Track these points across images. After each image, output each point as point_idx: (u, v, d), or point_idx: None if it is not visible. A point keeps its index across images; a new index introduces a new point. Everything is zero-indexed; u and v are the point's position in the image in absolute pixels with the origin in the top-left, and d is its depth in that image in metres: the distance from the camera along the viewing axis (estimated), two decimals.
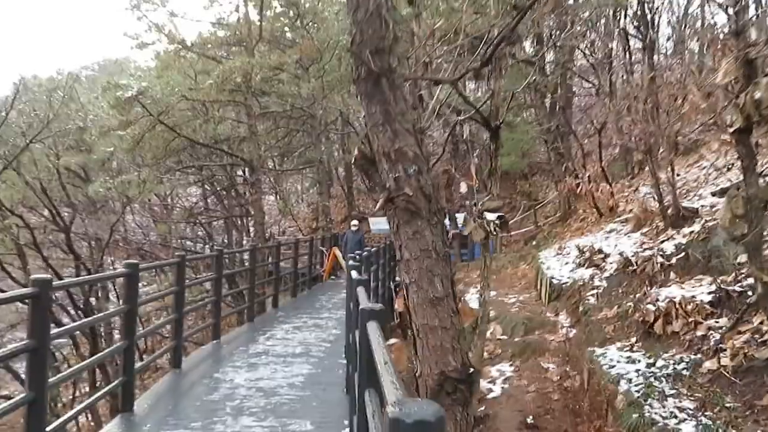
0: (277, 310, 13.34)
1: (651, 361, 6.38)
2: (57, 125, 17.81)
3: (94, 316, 12.51)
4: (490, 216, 5.18)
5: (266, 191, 47.34)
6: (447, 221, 22.43)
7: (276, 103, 18.23)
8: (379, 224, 25.88)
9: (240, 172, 23.09)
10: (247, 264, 14.20)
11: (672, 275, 7.81)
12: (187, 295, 21.87)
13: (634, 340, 7.14)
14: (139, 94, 13.29)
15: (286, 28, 21.65)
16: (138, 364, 7.08)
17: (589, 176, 12.47)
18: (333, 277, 20.40)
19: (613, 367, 6.60)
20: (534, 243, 14.87)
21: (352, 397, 5.76)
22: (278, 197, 43.92)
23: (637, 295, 7.89)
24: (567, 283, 9.47)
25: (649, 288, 7.66)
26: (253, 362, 8.39)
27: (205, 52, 16.17)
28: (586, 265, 9.64)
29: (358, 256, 14.47)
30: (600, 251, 9.57)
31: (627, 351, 6.95)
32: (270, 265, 15.88)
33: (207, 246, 24.01)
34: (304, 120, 21.96)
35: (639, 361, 6.55)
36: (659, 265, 8.00)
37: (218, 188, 22.24)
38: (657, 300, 7.11)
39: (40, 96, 20.03)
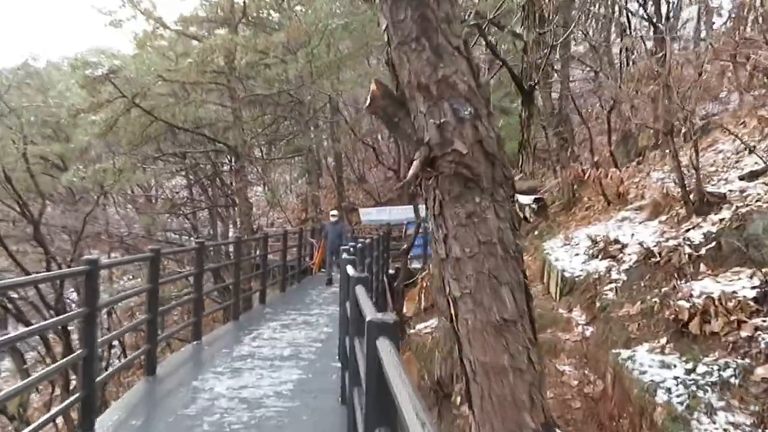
0: (265, 306, 12.49)
1: (690, 366, 5.60)
2: (29, 113, 16.81)
3: (41, 323, 11.22)
4: (524, 199, 4.20)
5: (253, 182, 46.42)
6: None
7: (262, 87, 17.28)
8: (369, 215, 25.03)
9: (225, 161, 22.15)
10: (232, 257, 13.36)
11: (702, 267, 7.03)
12: (171, 290, 21.11)
13: (664, 340, 6.35)
14: (111, 73, 12.31)
15: (272, 11, 20.68)
16: (113, 369, 6.23)
17: (596, 161, 11.67)
18: (323, 269, 19.55)
19: (645, 372, 5.82)
20: (536, 233, 14.05)
21: (350, 410, 5.02)
22: (266, 188, 43.06)
23: (664, 290, 7.10)
24: (580, 276, 8.67)
25: (678, 281, 6.88)
26: (237, 367, 7.55)
27: (185, 31, 15.18)
28: (600, 257, 8.84)
29: (339, 250, 13.91)
30: (616, 241, 8.77)
31: (658, 353, 6.16)
32: (257, 258, 15.02)
33: (192, 238, 23.08)
34: (292, 107, 21.06)
35: (675, 366, 5.76)
36: (687, 256, 7.22)
37: (202, 177, 21.25)
38: (691, 295, 6.33)
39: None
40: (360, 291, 4.34)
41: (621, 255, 8.44)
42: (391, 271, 18.00)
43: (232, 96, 15.01)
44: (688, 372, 5.51)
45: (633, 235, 8.87)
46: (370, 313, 3.18)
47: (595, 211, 12.51)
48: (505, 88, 22.45)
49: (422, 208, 23.26)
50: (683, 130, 8.58)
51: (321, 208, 20.93)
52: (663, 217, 9.25)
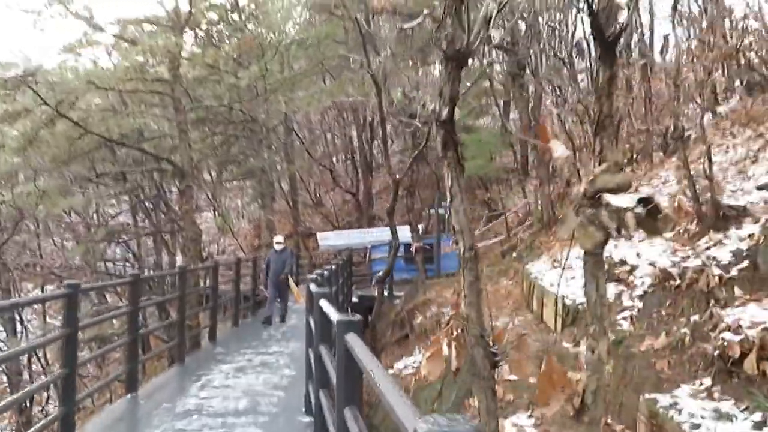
0: (215, 345, 10.95)
1: (758, 418, 4.45)
2: None
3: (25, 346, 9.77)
4: (621, 200, 2.85)
5: (203, 207, 44.36)
6: (408, 231, 20.43)
7: (211, 97, 15.80)
8: (327, 240, 23.62)
9: (170, 182, 20.46)
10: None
11: (737, 291, 5.98)
12: (113, 328, 19.12)
13: (708, 382, 5.22)
14: (28, 75, 10.70)
15: (221, 22, 19.33)
16: None
17: (580, 176, 10.74)
18: (280, 299, 18.03)
19: (698, 427, 4.65)
20: (514, 255, 13.01)
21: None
22: (216, 213, 41.13)
23: (693, 318, 6.00)
24: (583, 303, 7.54)
25: (714, 309, 5.78)
26: (180, 429, 6.06)
27: (123, 35, 13.63)
28: (605, 280, 7.76)
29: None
30: (622, 262, 7.70)
31: (705, 398, 5.02)
32: (207, 289, 13.47)
33: (134, 268, 21.17)
34: (244, 125, 19.63)
35: (734, 416, 4.62)
36: (717, 278, 6.16)
37: (144, 201, 19.38)
38: (739, 326, 5.23)
39: None
40: (324, 303, 4.68)
41: (631, 278, 7.34)
42: (354, 299, 16.65)
43: (177, 108, 13.53)
44: (759, 426, 4.36)
45: (639, 254, 7.80)
46: (335, 315, 3.63)
47: None
48: (468, 105, 21.62)
49: (403, 229, 22.01)
50: (693, 137, 7.62)
51: (276, 233, 19.43)
52: (667, 234, 8.23)
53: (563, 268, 7.14)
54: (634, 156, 14.18)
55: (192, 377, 8.27)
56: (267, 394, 7.47)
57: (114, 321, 18.32)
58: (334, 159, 35.85)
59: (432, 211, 15.32)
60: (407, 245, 16.77)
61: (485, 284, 11.21)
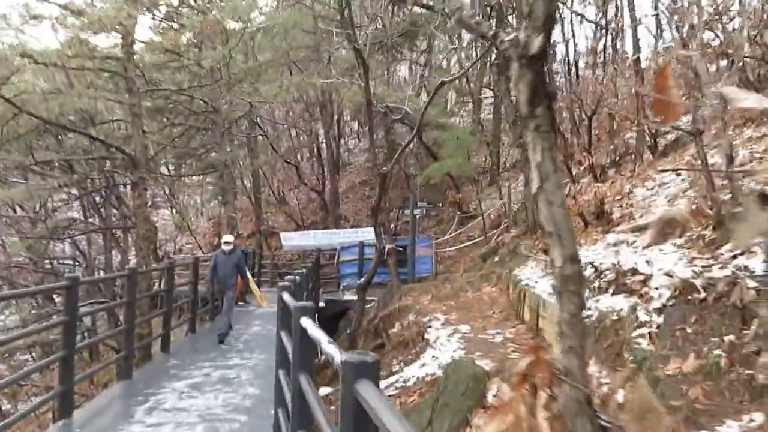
0: (169, 356, 9.78)
1: None
2: None
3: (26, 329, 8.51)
4: None
5: (160, 204, 42.61)
6: (383, 233, 19.48)
7: (170, 82, 14.51)
8: (291, 240, 22.46)
9: (123, 173, 19.03)
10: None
11: None
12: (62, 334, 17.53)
13: (760, 417, 4.39)
14: None
15: (183, 8, 18.03)
16: None
17: (575, 175, 9.96)
18: (241, 303, 16.85)
19: None
20: (496, 259, 12.18)
21: None
22: (174, 210, 39.46)
23: (728, 338, 5.20)
24: (590, 317, 6.69)
25: (759, 328, 4.98)
26: None
27: (71, 5, 12.19)
28: (612, 291, 6.92)
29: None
30: (634, 271, 6.87)
31: None
32: (162, 292, 12.25)
33: (82, 269, 19.60)
34: (206, 116, 18.38)
35: None
36: (755, 291, 5.37)
37: (92, 193, 17.75)
38: None
39: None
40: (307, 323, 3.73)
41: (645, 289, 6.51)
42: (321, 304, 15.58)
43: (130, 90, 12.20)
44: None
45: (649, 262, 6.99)
46: (335, 350, 2.63)
47: None
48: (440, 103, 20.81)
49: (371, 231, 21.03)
50: (713, 130, 6.85)
51: (238, 231, 18.25)
52: (678, 240, 7.46)
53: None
54: (617, 158, 13.56)
55: (139, 397, 7.14)
56: (227, 419, 6.42)
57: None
58: (299, 156, 34.70)
59: (407, 211, 14.34)
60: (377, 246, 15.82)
61: (467, 290, 10.26)
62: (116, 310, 14.66)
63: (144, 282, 11.98)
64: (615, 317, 6.41)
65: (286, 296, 5.44)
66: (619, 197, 9.92)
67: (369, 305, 14.82)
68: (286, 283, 6.16)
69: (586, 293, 7.35)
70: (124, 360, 8.10)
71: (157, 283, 23.05)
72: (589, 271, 7.70)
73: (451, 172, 15.99)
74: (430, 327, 9.15)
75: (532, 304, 8.36)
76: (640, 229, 8.48)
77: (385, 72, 24.84)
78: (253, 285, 16.66)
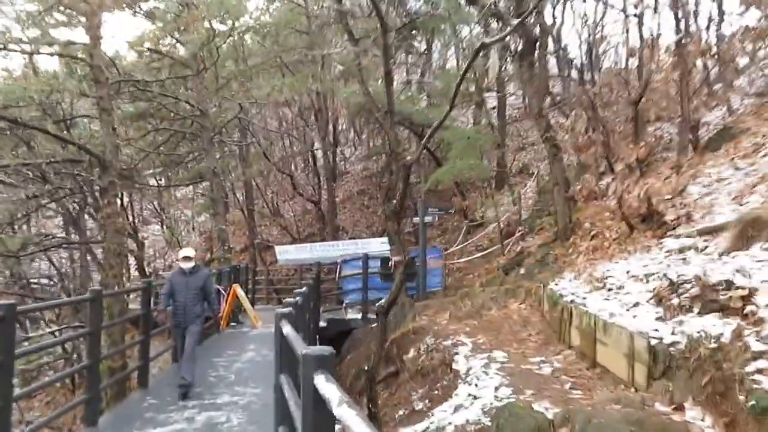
0: (147, 394, 8.25)
1: None
2: None
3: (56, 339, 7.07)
4: None
5: (149, 219, 41.00)
6: (380, 244, 17.98)
7: (144, 71, 13.05)
8: (287, 253, 20.94)
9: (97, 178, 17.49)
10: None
11: None
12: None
13: None
14: None
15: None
16: None
17: (618, 171, 8.57)
18: (233, 324, 15.34)
19: None
20: (521, 271, 10.71)
21: None
22: (163, 225, 37.88)
23: None
24: (679, 344, 5.23)
25: None
26: None
27: None
28: (698, 310, 5.47)
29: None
30: (728, 284, 5.42)
31: None
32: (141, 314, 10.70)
33: (57, 287, 18.01)
34: (193, 119, 16.93)
35: None
36: None
37: (56, 199, 15.92)
38: None
39: None
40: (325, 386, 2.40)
41: (751, 308, 5.06)
42: (322, 323, 14.06)
43: (96, 79, 10.69)
44: None
45: (744, 272, 5.54)
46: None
47: (610, 240, 9.28)
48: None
49: (375, 241, 19.47)
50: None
51: (229, 245, 16.77)
52: (765, 244, 6.03)
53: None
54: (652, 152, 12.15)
55: None
56: None
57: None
58: (293, 166, 33.26)
59: (414, 219, 12.90)
60: (384, 260, 14.35)
61: (491, 307, 8.69)
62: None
63: (117, 306, 10.44)
64: (712, 345, 4.95)
65: (288, 330, 3.97)
66: (670, 196, 8.50)
67: (374, 324, 13.35)
68: (286, 309, 4.69)
69: (660, 311, 5.90)
70: (86, 404, 6.56)
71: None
72: (658, 284, 6.25)
73: (462, 176, 14.56)
74: (456, 354, 7.66)
75: (583, 326, 6.89)
76: (711, 232, 7.05)
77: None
78: (246, 303, 15.17)
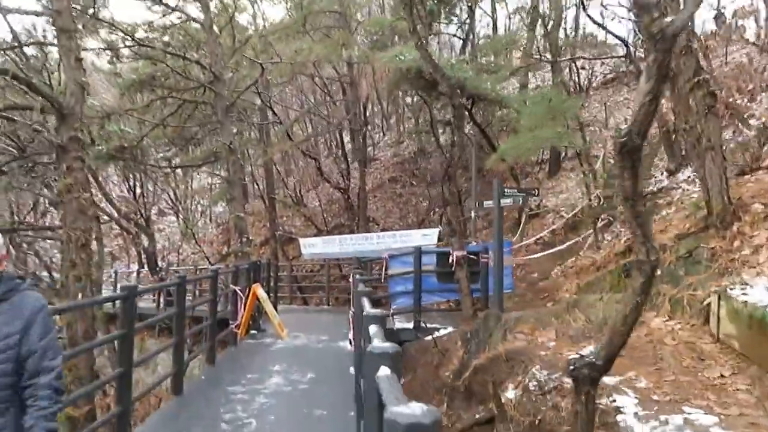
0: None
1: None
2: None
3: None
4: None
5: (166, 210, 38.41)
6: (431, 236, 15.13)
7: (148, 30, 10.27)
8: (313, 247, 18.07)
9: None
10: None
11: None
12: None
13: None
14: None
15: None
16: None
17: None
18: (254, 331, 12.57)
19: None
20: (657, 273, 7.73)
21: None
22: (179, 216, 35.29)
23: None
24: None
25: None
26: None
27: None
28: None
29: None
30: None
31: None
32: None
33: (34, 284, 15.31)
34: (205, 87, 14.13)
35: None
36: None
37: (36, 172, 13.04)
38: None
39: None
40: None
41: None
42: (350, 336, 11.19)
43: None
44: None
45: None
46: None
47: None
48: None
49: (422, 233, 16.92)
50: None
51: (248, 235, 13.97)
52: None
53: None
54: None
55: None
56: None
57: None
58: (320, 148, 30.51)
59: (488, 203, 9.96)
60: (441, 255, 11.45)
61: (617, 323, 5.71)
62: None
63: (81, 324, 7.57)
64: None
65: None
66: None
67: (429, 336, 10.50)
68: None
69: None
70: None
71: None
72: None
73: (538, 147, 11.51)
74: (619, 409, 4.72)
75: None
76: None
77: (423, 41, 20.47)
78: (269, 307, 12.35)
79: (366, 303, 5.93)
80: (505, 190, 9.85)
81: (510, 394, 6.34)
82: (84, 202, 7.79)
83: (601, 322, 7.17)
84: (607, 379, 5.50)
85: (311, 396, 7.41)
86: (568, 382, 5.68)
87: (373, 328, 3.80)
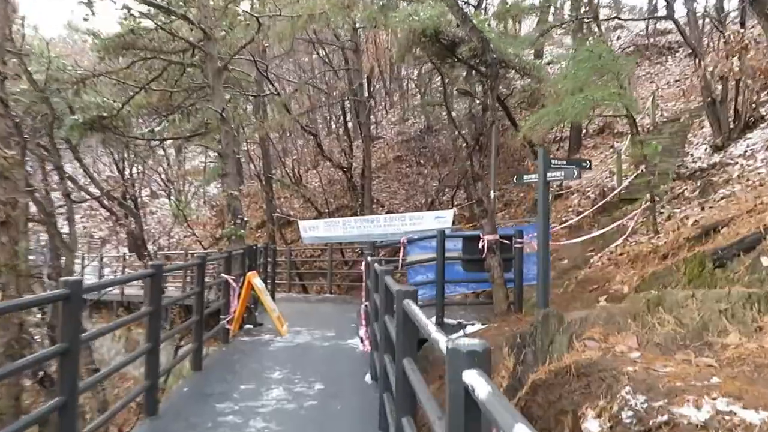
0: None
1: None
2: None
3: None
4: None
5: (157, 192, 36.62)
6: (448, 218, 13.65)
7: None
8: (314, 230, 16.38)
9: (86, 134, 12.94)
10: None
11: None
12: None
13: None
14: None
15: None
16: None
17: None
18: (249, 326, 10.94)
19: None
20: (752, 263, 6.04)
21: None
22: (171, 198, 33.54)
23: None
24: None
25: None
26: None
27: None
28: None
29: None
30: None
31: None
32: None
33: None
34: (193, 48, 12.38)
35: None
36: None
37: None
38: None
39: None
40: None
41: None
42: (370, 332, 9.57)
43: None
44: None
45: None
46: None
47: None
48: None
49: (436, 215, 15.49)
50: None
51: (243, 217, 12.28)
52: None
53: None
54: None
55: None
56: None
57: None
58: (319, 124, 28.75)
59: (529, 177, 8.28)
60: (468, 239, 9.80)
61: (720, 329, 3.86)
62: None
63: (7, 334, 5.88)
64: None
65: (389, 280, 4.59)
66: None
67: (454, 334, 8.85)
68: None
69: None
70: None
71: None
72: None
73: (587, 110, 9.74)
74: None
75: None
76: None
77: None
78: (267, 300, 10.72)
79: (391, 281, 4.71)
80: (552, 161, 8.15)
81: (593, 426, 4.70)
82: (5, 162, 6.06)
83: (699, 326, 5.54)
84: (721, 403, 3.90)
85: (322, 417, 5.81)
86: (684, 415, 4.05)
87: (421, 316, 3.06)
